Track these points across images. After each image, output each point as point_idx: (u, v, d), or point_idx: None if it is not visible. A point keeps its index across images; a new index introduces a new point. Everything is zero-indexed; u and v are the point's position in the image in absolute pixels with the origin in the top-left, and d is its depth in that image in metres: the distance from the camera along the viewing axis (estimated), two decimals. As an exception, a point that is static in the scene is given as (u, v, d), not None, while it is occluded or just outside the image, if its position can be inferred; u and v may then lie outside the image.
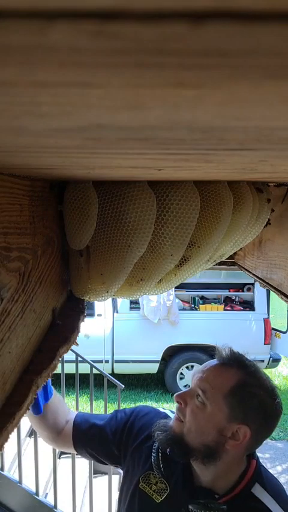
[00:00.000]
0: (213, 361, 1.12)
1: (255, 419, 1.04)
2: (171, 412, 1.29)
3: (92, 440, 1.27)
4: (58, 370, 3.93)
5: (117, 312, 5.89)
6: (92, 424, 1.28)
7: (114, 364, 5.87)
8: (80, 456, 3.54)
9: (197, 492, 1.09)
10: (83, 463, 3.34)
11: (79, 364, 4.03)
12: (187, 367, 6.02)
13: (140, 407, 1.32)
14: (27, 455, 3.37)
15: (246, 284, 6.19)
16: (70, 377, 4.37)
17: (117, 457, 1.25)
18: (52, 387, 1.23)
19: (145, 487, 1.14)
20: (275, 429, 1.12)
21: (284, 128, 0.27)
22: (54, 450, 3.11)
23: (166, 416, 1.26)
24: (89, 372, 4.06)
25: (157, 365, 5.95)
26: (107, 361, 5.75)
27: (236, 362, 1.09)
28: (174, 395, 1.12)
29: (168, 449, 1.11)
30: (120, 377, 5.36)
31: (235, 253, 1.78)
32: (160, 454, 1.13)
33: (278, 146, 0.36)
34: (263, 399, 1.05)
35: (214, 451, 1.04)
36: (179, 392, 1.12)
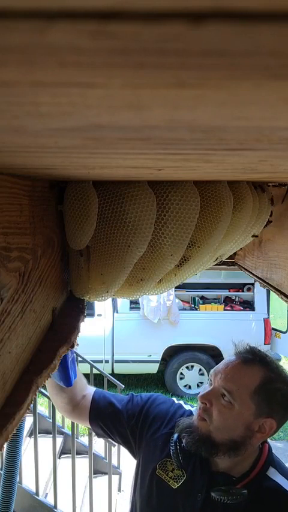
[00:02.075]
0: (234, 359, 1.12)
1: (279, 410, 1.09)
2: (185, 403, 1.31)
3: (107, 418, 1.30)
4: (58, 370, 3.92)
5: (117, 312, 5.89)
6: (109, 402, 1.31)
7: (114, 364, 5.87)
8: (80, 456, 3.53)
9: (214, 476, 1.12)
10: (83, 463, 3.34)
11: (79, 364, 4.03)
12: (187, 367, 6.02)
13: (156, 395, 1.34)
14: (27, 455, 3.36)
15: (246, 284, 6.19)
16: (70, 377, 4.37)
17: (129, 440, 1.27)
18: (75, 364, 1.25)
19: (162, 474, 1.16)
20: None
21: (284, 128, 0.27)
22: (54, 450, 3.11)
23: (180, 406, 1.29)
24: (89, 372, 4.05)
25: (157, 365, 5.95)
26: (107, 361, 5.75)
27: (257, 359, 1.10)
28: (198, 396, 1.12)
29: (194, 449, 1.11)
30: (120, 377, 5.35)
31: (235, 253, 1.78)
32: (178, 447, 1.15)
33: (278, 146, 0.36)
34: (285, 392, 1.09)
35: (241, 444, 1.08)
36: (202, 393, 1.12)
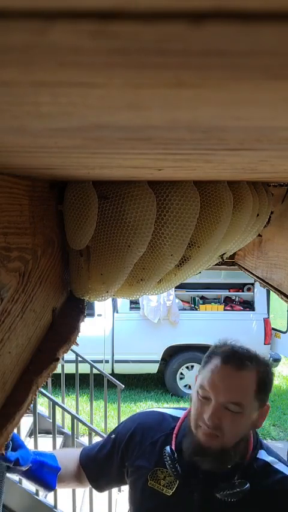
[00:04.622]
0: (223, 366, 1.07)
1: (268, 392, 1.14)
2: (175, 409, 1.30)
3: (101, 472, 1.31)
4: (58, 370, 3.93)
5: (117, 312, 5.89)
6: (93, 457, 1.32)
7: (114, 364, 5.87)
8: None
9: (208, 472, 1.10)
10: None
11: (79, 364, 4.03)
12: (187, 367, 6.02)
13: (129, 418, 1.33)
14: (27, 455, 3.36)
15: (246, 284, 6.18)
16: (70, 377, 4.37)
17: (124, 469, 1.26)
18: (53, 454, 1.28)
19: (154, 484, 1.15)
20: None
21: (284, 128, 0.27)
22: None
23: (154, 412, 1.29)
24: (89, 372, 4.05)
25: (157, 365, 5.95)
26: (107, 361, 5.75)
27: (247, 359, 1.09)
28: (207, 418, 1.06)
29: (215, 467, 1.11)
30: (120, 377, 5.35)
31: (235, 253, 1.78)
32: (174, 459, 1.13)
33: (279, 146, 0.36)
34: (271, 375, 1.15)
35: (245, 436, 1.12)
36: (209, 413, 1.06)
